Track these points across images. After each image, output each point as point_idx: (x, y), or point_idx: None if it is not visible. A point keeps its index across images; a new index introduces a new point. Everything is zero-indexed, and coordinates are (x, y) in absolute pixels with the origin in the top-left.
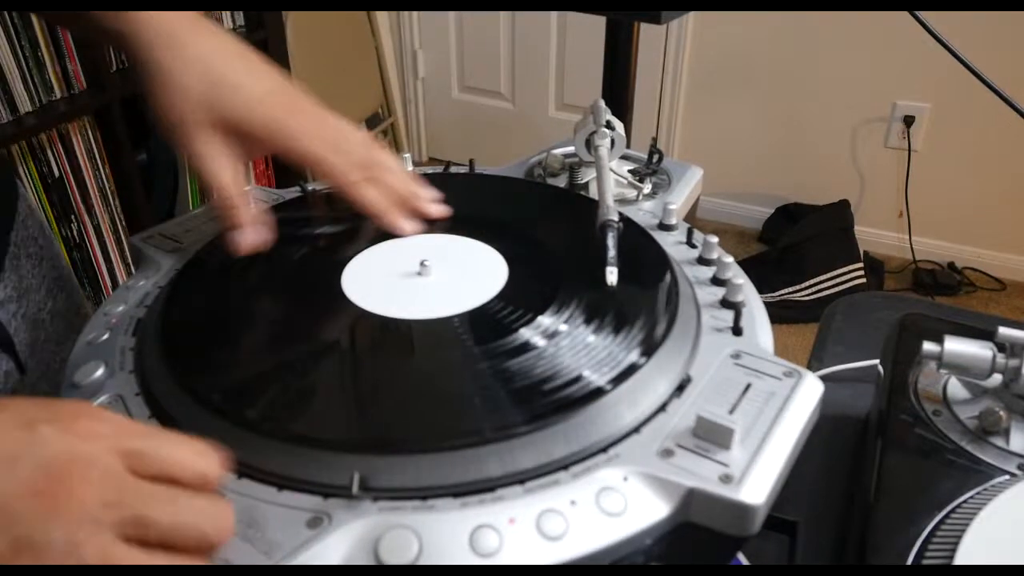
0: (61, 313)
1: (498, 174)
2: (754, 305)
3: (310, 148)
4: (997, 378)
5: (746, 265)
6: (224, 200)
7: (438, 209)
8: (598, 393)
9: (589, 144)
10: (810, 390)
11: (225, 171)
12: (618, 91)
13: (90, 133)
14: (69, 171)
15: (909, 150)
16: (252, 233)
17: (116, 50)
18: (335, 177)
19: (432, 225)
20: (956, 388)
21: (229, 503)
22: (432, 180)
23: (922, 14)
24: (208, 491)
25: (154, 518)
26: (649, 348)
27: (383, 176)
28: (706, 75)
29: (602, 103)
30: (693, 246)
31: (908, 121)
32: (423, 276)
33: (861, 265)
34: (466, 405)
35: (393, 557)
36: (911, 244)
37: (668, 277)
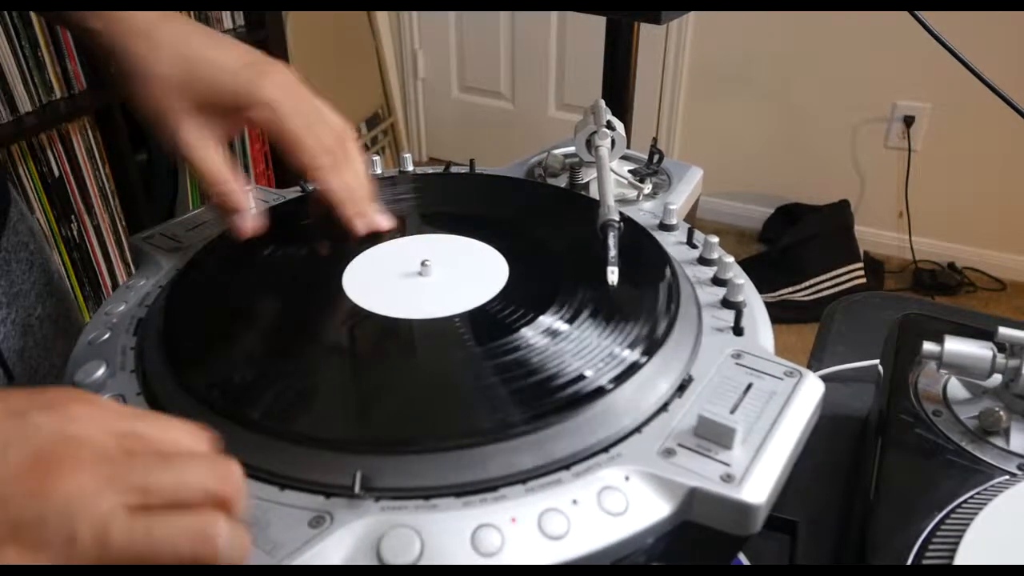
0: (51, 318)
1: (499, 174)
2: (755, 305)
3: (285, 120)
4: (997, 378)
5: (746, 265)
6: (220, 186)
7: (383, 219)
8: (599, 392)
9: (590, 144)
10: (811, 390)
11: (214, 157)
12: (618, 91)
13: (90, 133)
14: (69, 171)
15: (909, 150)
16: (253, 217)
17: (95, 51)
18: (304, 155)
19: (432, 226)
20: (956, 388)
21: (230, 459)
22: (432, 180)
23: (922, 14)
24: None
25: (153, 482)
26: (650, 348)
27: (346, 168)
28: (706, 75)
29: (603, 103)
30: (694, 246)
31: (908, 121)
32: (424, 276)
33: (861, 265)
34: (468, 404)
35: (395, 557)
36: (911, 244)
37: (669, 277)
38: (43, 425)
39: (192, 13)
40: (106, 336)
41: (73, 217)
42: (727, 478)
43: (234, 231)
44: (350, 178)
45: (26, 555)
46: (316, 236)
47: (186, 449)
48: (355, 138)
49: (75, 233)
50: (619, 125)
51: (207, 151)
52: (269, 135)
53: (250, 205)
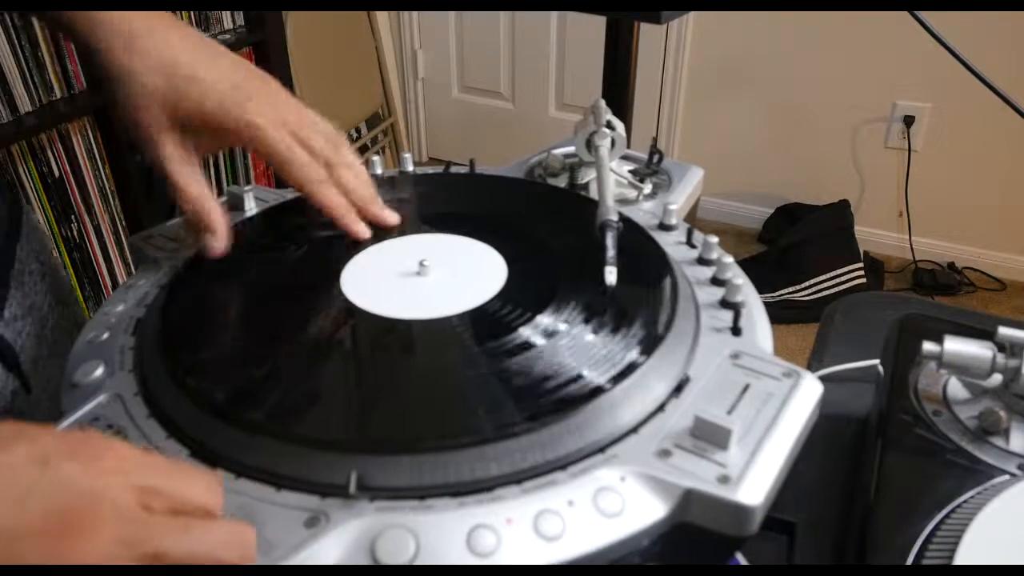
0: (62, 327)
1: (498, 174)
2: (753, 305)
3: (270, 142)
4: (997, 378)
5: (746, 265)
6: (195, 203)
7: (391, 216)
8: (596, 393)
9: (589, 144)
10: (809, 391)
11: (193, 174)
12: (618, 91)
13: (90, 133)
14: (69, 171)
15: (909, 150)
16: (223, 238)
17: (79, 52)
18: (293, 171)
19: (431, 226)
20: (956, 388)
21: (249, 526)
22: (432, 180)
23: (922, 14)
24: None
25: (169, 551)
26: (648, 348)
27: (343, 174)
28: (706, 75)
29: (603, 103)
30: (693, 246)
31: (908, 121)
32: (422, 276)
33: (861, 265)
34: (464, 405)
35: (390, 557)
36: (911, 244)
37: (667, 277)
38: (65, 477)
39: (192, 13)
40: (105, 336)
41: (73, 217)
42: (723, 479)
43: (206, 250)
44: (348, 179)
45: None
46: (314, 236)
47: (203, 507)
48: (347, 144)
49: (75, 233)
50: (619, 125)
51: (185, 167)
52: (258, 155)
53: (223, 225)
